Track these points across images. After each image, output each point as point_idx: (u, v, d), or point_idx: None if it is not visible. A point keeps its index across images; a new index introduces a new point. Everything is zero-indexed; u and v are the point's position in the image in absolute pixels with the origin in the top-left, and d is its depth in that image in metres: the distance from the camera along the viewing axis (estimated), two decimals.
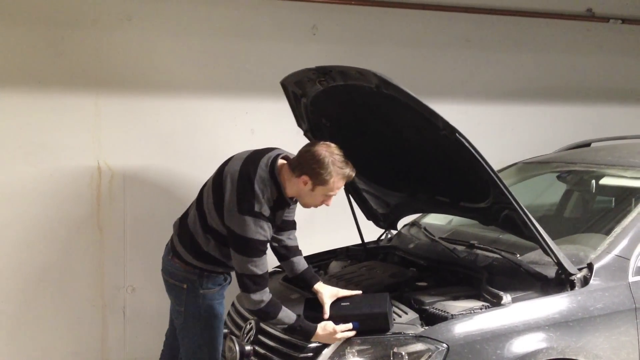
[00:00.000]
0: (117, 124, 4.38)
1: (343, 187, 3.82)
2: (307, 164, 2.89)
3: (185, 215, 3.23)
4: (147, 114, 4.46)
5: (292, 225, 3.34)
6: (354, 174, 2.96)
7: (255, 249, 2.87)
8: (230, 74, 4.67)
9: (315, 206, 3.04)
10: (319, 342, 2.85)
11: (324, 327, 2.85)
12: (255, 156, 3.03)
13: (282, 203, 2.99)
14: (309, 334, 2.86)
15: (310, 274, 3.27)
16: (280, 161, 2.99)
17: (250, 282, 2.88)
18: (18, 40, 4.15)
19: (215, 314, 3.15)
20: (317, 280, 3.19)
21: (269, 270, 3.84)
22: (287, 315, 2.90)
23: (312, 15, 4.88)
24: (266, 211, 2.88)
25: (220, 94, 4.66)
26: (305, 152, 2.93)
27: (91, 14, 4.29)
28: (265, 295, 2.89)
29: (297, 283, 3.37)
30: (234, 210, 2.88)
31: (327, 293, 3.06)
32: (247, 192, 2.89)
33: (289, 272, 3.33)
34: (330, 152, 2.90)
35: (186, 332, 3.18)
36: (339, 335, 2.82)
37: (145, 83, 4.43)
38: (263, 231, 2.87)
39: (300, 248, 3.37)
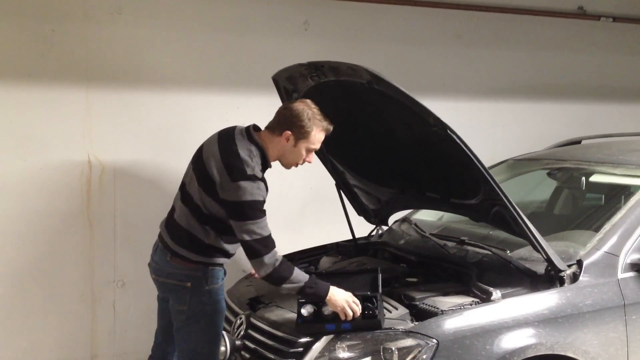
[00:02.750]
0: (107, 118, 4.36)
1: (335, 185, 3.85)
2: (287, 121, 2.98)
3: (171, 217, 3.17)
4: (138, 108, 4.44)
5: None
6: (331, 128, 3.04)
7: (258, 210, 2.90)
8: (221, 69, 4.66)
9: (297, 164, 3.09)
10: (329, 308, 2.84)
11: (340, 297, 2.85)
12: (226, 133, 3.08)
13: (266, 167, 3.04)
14: (323, 292, 2.85)
15: None
16: (253, 130, 3.06)
17: (261, 246, 2.87)
18: (7, 33, 4.12)
19: (219, 309, 3.10)
20: None
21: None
22: (301, 273, 2.90)
23: (304, 10, 4.87)
24: (258, 172, 2.94)
25: (212, 89, 4.65)
26: (283, 109, 3.04)
27: (81, 7, 4.27)
28: (277, 255, 2.89)
29: None
30: (227, 182, 2.89)
31: None
32: (234, 160, 2.92)
33: None
34: (307, 106, 2.99)
35: (188, 329, 3.10)
36: (347, 306, 2.80)
37: (136, 77, 4.42)
38: (260, 191, 2.91)
39: None
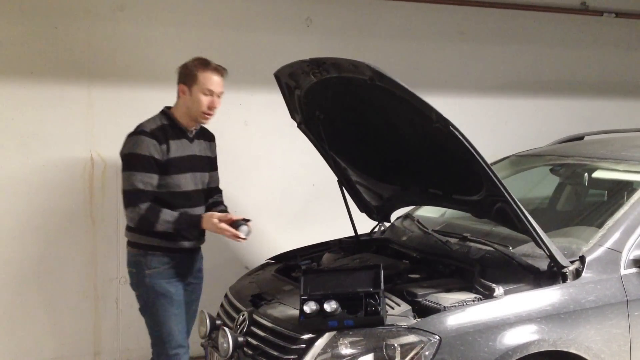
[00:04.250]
0: (109, 115, 4.37)
1: (337, 182, 3.84)
2: (178, 77, 3.36)
3: None
4: (140, 104, 4.42)
5: (216, 190, 3.68)
6: (222, 69, 3.36)
7: (136, 163, 3.19)
8: (223, 65, 4.63)
9: (206, 113, 3.34)
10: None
11: (208, 219, 3.23)
12: None
13: (175, 130, 3.32)
14: (196, 223, 3.25)
15: (217, 208, 3.57)
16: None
17: (128, 197, 3.19)
18: (10, 30, 4.13)
19: (163, 292, 3.30)
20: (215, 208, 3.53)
21: (262, 263, 3.87)
22: (170, 214, 3.21)
23: (307, 6, 4.87)
24: (148, 128, 3.25)
25: None
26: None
27: (84, 4, 4.27)
28: (143, 209, 3.15)
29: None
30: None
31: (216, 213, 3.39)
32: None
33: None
34: (194, 58, 3.34)
35: (143, 314, 3.39)
36: (220, 224, 3.19)
37: (138, 74, 4.42)
38: (143, 145, 3.20)
39: (225, 206, 3.65)
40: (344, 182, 3.88)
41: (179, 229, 3.25)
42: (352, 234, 3.91)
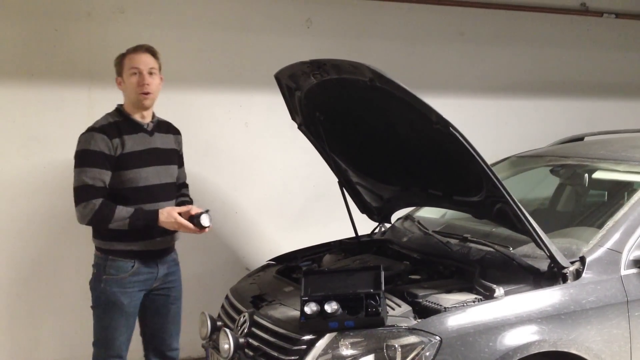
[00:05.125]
0: None
1: (338, 183, 3.85)
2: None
3: None
4: None
5: (183, 186, 3.65)
6: (144, 46, 3.41)
7: (87, 159, 3.18)
8: (224, 67, 4.67)
9: (140, 93, 3.31)
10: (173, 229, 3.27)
11: (167, 214, 3.20)
12: None
13: (130, 125, 3.32)
14: (153, 219, 3.19)
15: (182, 199, 3.57)
16: None
17: (83, 193, 3.15)
18: (10, 32, 4.13)
19: (114, 301, 3.26)
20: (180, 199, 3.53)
21: (263, 264, 3.88)
22: (125, 209, 3.16)
23: (307, 8, 4.87)
24: (98, 125, 3.27)
25: (214, 87, 4.65)
26: None
27: (84, 7, 4.28)
28: (92, 205, 3.12)
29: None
30: None
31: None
32: None
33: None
34: None
35: (93, 312, 3.37)
36: (180, 220, 3.18)
37: None
38: (94, 141, 3.19)
39: (190, 198, 3.61)
40: (345, 183, 3.88)
41: (135, 226, 3.18)
42: (353, 235, 3.91)
